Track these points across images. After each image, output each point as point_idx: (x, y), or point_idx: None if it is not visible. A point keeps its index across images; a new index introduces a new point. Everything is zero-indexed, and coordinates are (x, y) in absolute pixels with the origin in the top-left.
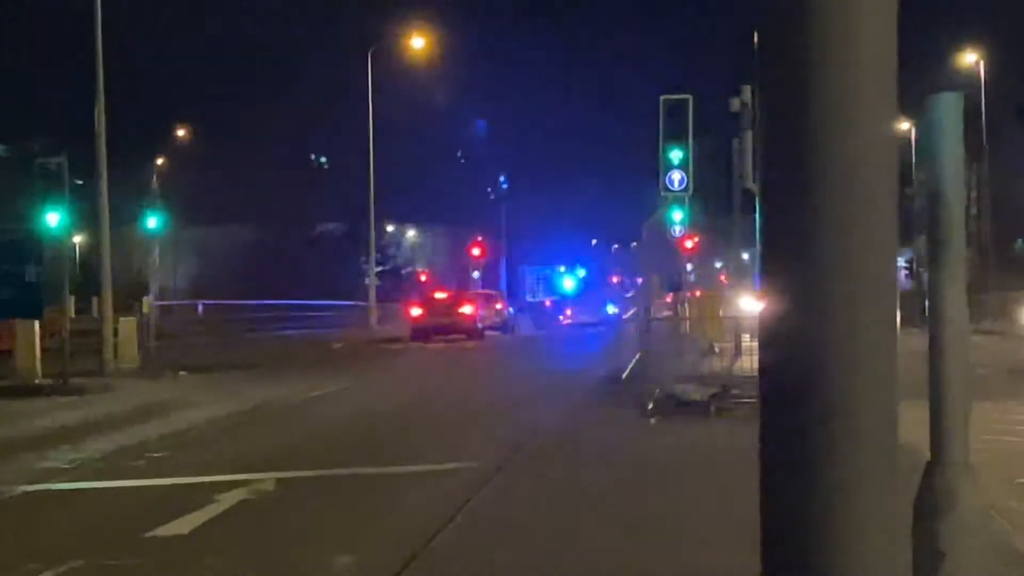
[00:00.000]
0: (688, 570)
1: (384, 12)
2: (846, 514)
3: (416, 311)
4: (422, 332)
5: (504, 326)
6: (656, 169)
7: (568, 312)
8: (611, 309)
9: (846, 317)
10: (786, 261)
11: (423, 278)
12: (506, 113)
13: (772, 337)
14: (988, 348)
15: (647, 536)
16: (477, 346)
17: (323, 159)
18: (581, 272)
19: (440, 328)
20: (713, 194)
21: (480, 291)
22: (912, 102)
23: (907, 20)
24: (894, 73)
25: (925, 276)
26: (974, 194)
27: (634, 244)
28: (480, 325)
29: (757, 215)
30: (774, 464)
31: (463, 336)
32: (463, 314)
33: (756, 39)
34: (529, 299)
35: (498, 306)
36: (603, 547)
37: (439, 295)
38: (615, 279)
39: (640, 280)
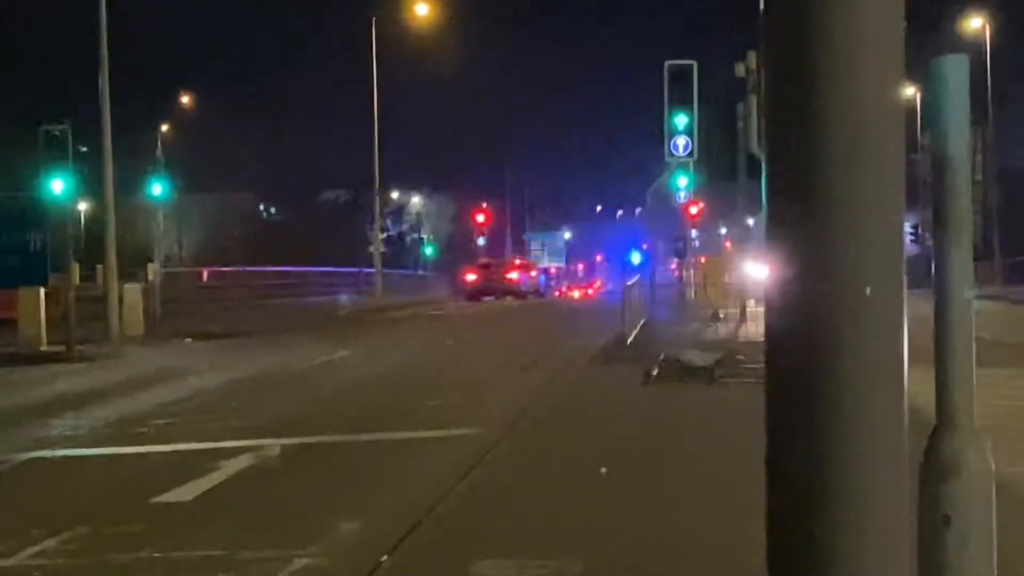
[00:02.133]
0: (690, 535)
1: None
2: (852, 479)
3: (471, 276)
4: (475, 293)
5: (537, 290)
6: (661, 135)
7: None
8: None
9: (853, 282)
10: (792, 226)
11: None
12: (510, 80)
13: (779, 303)
14: (994, 314)
15: (649, 503)
16: (520, 305)
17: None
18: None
19: (490, 290)
20: (718, 160)
21: (519, 260)
22: (917, 67)
23: None
24: (901, 35)
25: (930, 241)
26: (979, 159)
27: (639, 210)
28: (523, 288)
29: (763, 180)
30: (779, 430)
31: (511, 296)
32: (510, 279)
33: (762, 3)
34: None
35: (532, 273)
36: (605, 514)
37: (484, 262)
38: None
39: (644, 246)
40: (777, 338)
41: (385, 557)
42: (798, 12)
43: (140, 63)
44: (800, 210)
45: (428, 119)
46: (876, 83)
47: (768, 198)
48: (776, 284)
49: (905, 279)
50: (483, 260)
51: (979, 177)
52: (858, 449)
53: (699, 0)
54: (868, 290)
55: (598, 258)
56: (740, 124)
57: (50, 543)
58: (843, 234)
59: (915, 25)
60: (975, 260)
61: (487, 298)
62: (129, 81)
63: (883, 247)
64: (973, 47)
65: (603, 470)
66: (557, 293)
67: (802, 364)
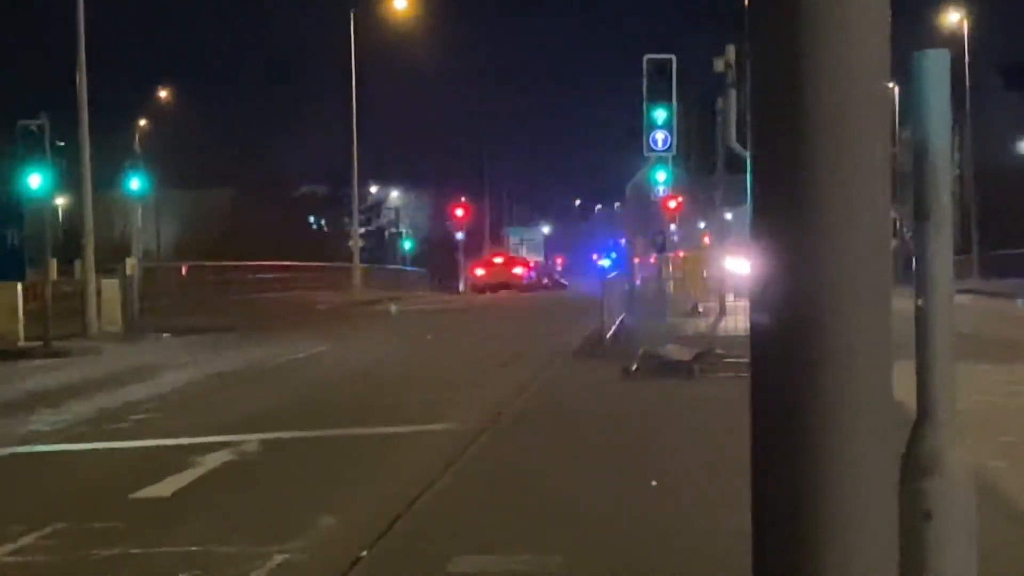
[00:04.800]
0: (671, 529)
1: None
2: (837, 473)
3: (479, 271)
4: (483, 287)
5: (531, 285)
6: (640, 129)
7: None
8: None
9: (838, 277)
10: (778, 220)
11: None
12: (488, 74)
13: (763, 298)
14: (972, 308)
15: (630, 496)
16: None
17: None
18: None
19: (498, 285)
20: (696, 154)
21: (519, 256)
22: (896, 60)
23: None
24: (887, 28)
25: (910, 235)
26: (958, 155)
27: (617, 205)
28: (526, 282)
29: (748, 172)
30: (764, 424)
31: (515, 290)
32: (515, 274)
33: None
34: None
35: (527, 269)
36: (586, 507)
37: (496, 259)
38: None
39: (623, 241)
40: (761, 333)
41: (364, 552)
42: (784, 5)
43: (118, 57)
44: (785, 204)
45: (407, 114)
46: (862, 77)
47: (753, 192)
48: (760, 279)
49: (891, 272)
50: (489, 256)
51: (957, 171)
52: (843, 443)
53: None
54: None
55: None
56: (719, 119)
57: (28, 539)
58: (829, 229)
59: (895, 20)
60: (956, 255)
61: (495, 290)
62: (107, 76)
63: (869, 242)
64: (951, 42)
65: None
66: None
67: (786, 359)
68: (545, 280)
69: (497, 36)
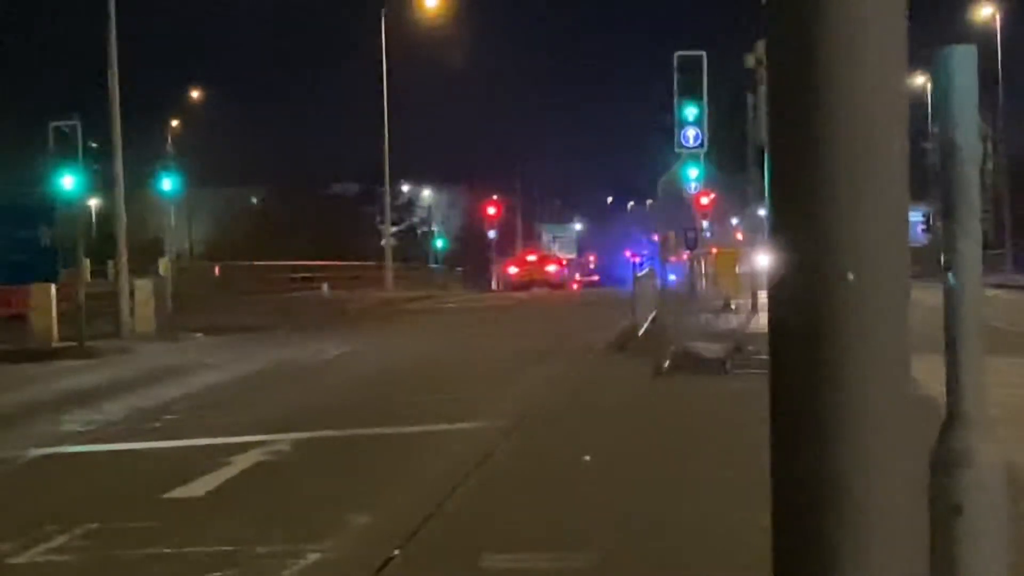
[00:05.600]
0: (703, 526)
1: None
2: (853, 470)
3: (512, 269)
4: (516, 285)
5: (564, 282)
6: (671, 126)
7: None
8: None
9: (856, 272)
10: (795, 216)
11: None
12: (520, 72)
13: (781, 292)
14: (1004, 301)
15: (662, 492)
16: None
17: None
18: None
19: (532, 282)
20: (728, 150)
21: (552, 254)
22: (927, 56)
23: None
24: (903, 25)
25: (940, 230)
26: (989, 148)
27: (649, 202)
28: (558, 280)
29: (766, 169)
30: (784, 420)
31: (548, 287)
32: (548, 272)
33: None
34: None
35: (560, 266)
36: (618, 504)
37: (529, 257)
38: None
39: (655, 238)
40: (780, 328)
41: (396, 551)
42: (802, 3)
43: (150, 58)
44: (803, 200)
45: (439, 112)
46: (879, 74)
47: (771, 188)
48: (778, 274)
49: (909, 269)
50: (522, 254)
51: (989, 165)
52: (861, 439)
53: None
54: (850, 276)
55: (591, 257)
56: (751, 114)
57: (61, 539)
58: (846, 225)
59: (924, 13)
60: (985, 248)
61: (530, 288)
62: (139, 76)
63: (887, 238)
64: (983, 36)
65: (586, 458)
66: (574, 285)
67: (805, 355)
68: (577, 276)
69: (529, 33)
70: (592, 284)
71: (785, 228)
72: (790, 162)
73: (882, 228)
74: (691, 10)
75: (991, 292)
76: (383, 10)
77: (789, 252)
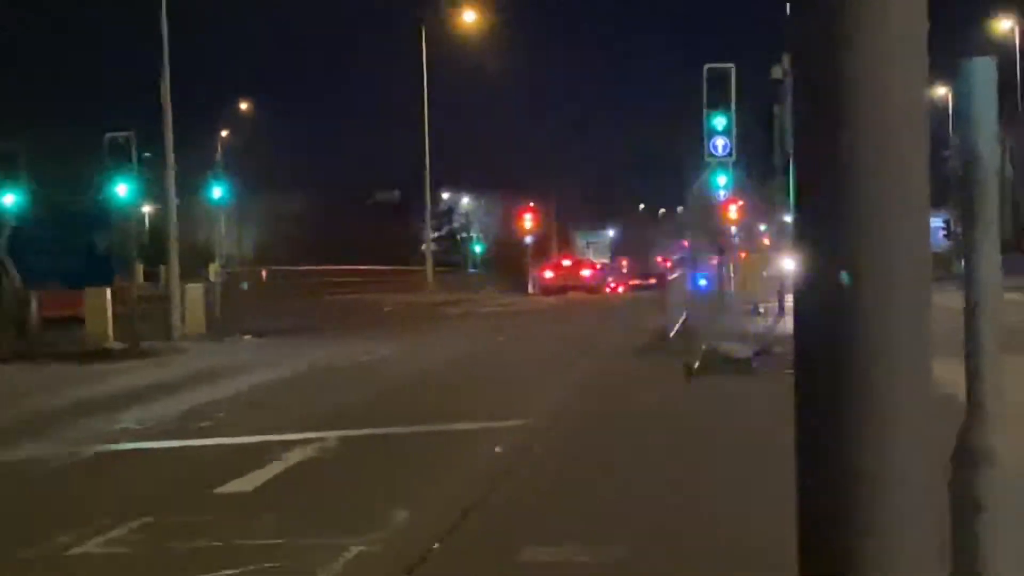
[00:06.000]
0: (729, 521)
1: None
2: (876, 468)
3: (548, 273)
4: (553, 289)
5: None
6: (701, 135)
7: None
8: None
9: (879, 277)
10: (820, 223)
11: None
12: (555, 82)
13: (806, 297)
14: (1016, 305)
15: (694, 488)
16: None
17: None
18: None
19: (567, 287)
20: (756, 159)
21: (586, 259)
22: (950, 67)
23: None
24: (924, 39)
25: (960, 235)
26: (1007, 157)
27: (680, 209)
28: (593, 284)
29: (791, 177)
30: (808, 420)
31: (583, 291)
32: (583, 276)
33: (789, 8)
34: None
35: (594, 271)
36: (649, 500)
37: (564, 262)
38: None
39: (686, 243)
40: (805, 331)
41: (436, 544)
42: (824, 16)
43: (200, 71)
44: (827, 208)
45: (478, 120)
46: (901, 86)
47: (796, 196)
48: (804, 279)
49: (931, 275)
50: (557, 259)
51: (1009, 173)
52: (884, 438)
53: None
54: (845, 276)
55: (623, 262)
56: (777, 124)
57: (116, 532)
58: (869, 231)
59: (945, 26)
60: (1004, 253)
61: (565, 292)
62: (190, 89)
63: (908, 243)
64: (1002, 48)
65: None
66: (608, 288)
67: (829, 357)
68: (610, 280)
69: (563, 44)
70: (646, 287)
71: (810, 234)
72: (815, 170)
73: (904, 234)
74: (722, 21)
75: (1010, 295)
76: (422, 23)
77: (814, 257)
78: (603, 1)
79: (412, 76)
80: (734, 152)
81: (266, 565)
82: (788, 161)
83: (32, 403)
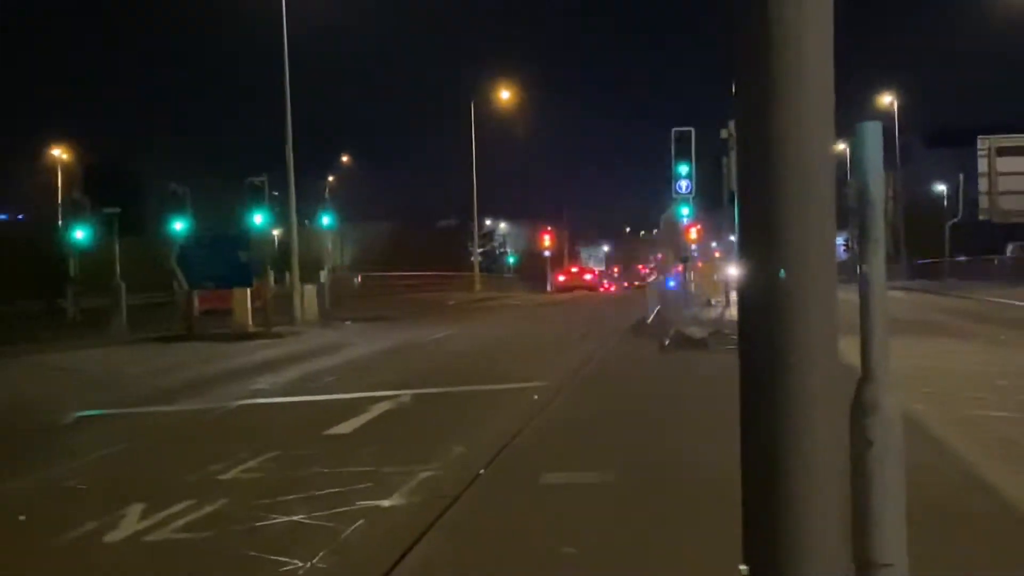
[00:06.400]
0: (691, 453)
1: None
2: (800, 415)
3: (561, 277)
4: (564, 289)
5: (596, 287)
6: (670, 178)
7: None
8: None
9: (800, 280)
10: (756, 240)
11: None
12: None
13: (747, 296)
14: (899, 300)
15: (663, 431)
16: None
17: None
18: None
19: (574, 287)
20: (710, 195)
21: (587, 267)
22: (847, 127)
23: (840, 67)
24: (831, 109)
25: (857, 250)
26: (890, 194)
27: (655, 231)
28: (593, 284)
29: (736, 207)
30: (749, 383)
31: (585, 290)
32: (586, 279)
33: (734, 88)
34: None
35: (593, 275)
36: (639, 432)
37: (573, 269)
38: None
39: (659, 256)
40: (745, 317)
41: (482, 470)
42: (756, 95)
43: (314, 131)
44: (760, 229)
45: (511, 169)
46: (814, 143)
47: (738, 221)
48: (744, 280)
49: (836, 277)
50: (568, 267)
51: (889, 205)
52: (803, 393)
53: (698, 85)
54: (783, 273)
55: (615, 269)
56: (725, 171)
57: (253, 463)
58: (790, 246)
59: (846, 99)
60: (888, 262)
61: (573, 291)
62: (305, 143)
63: (819, 255)
64: (885, 115)
65: (535, 396)
66: (602, 288)
67: (764, 336)
68: (605, 282)
69: (573, 110)
70: (631, 287)
71: (748, 249)
72: (752, 202)
73: (816, 248)
74: (687, 96)
75: (892, 293)
76: (472, 99)
77: (751, 265)
78: (602, 80)
79: (463, 136)
80: (694, 190)
81: (360, 486)
82: (732, 196)
83: (193, 371)
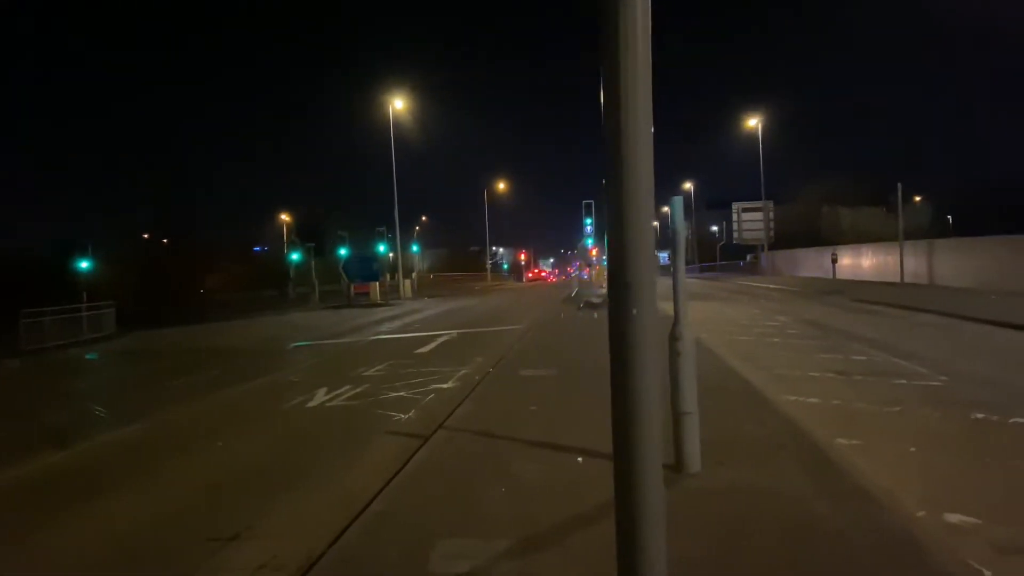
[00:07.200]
0: (598, 358)
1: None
2: (641, 340)
3: (530, 275)
4: (531, 281)
5: (547, 280)
6: (583, 224)
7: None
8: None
9: (635, 277)
10: (617, 254)
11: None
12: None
13: (614, 282)
14: (691, 283)
15: (583, 348)
16: (547, 286)
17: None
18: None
19: (538, 280)
20: (601, 231)
21: (545, 270)
22: (665, 199)
23: (659, 165)
24: (650, 190)
25: (668, 260)
26: (688, 232)
27: (575, 251)
28: (546, 278)
29: (606, 239)
30: (615, 324)
31: (543, 282)
32: (543, 275)
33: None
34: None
35: (547, 275)
36: (569, 350)
37: (536, 270)
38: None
39: (578, 263)
40: (613, 295)
41: (491, 369)
42: (614, 179)
43: (406, 198)
44: (615, 250)
45: (507, 216)
46: (639, 208)
47: (608, 247)
48: (612, 277)
49: (657, 274)
50: (534, 270)
51: (690, 236)
52: (643, 342)
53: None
54: (628, 276)
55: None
56: (607, 219)
57: (378, 366)
58: (630, 259)
59: (664, 181)
60: (687, 265)
61: (539, 282)
62: (405, 207)
63: (647, 263)
64: (687, 192)
65: (521, 332)
66: (550, 280)
67: (619, 300)
68: (551, 277)
69: (542, 173)
70: (564, 279)
71: (614, 258)
72: (615, 235)
73: (645, 260)
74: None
75: (689, 279)
76: (484, 191)
77: (615, 267)
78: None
79: (483, 205)
80: (593, 231)
81: (431, 377)
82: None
83: (349, 323)
